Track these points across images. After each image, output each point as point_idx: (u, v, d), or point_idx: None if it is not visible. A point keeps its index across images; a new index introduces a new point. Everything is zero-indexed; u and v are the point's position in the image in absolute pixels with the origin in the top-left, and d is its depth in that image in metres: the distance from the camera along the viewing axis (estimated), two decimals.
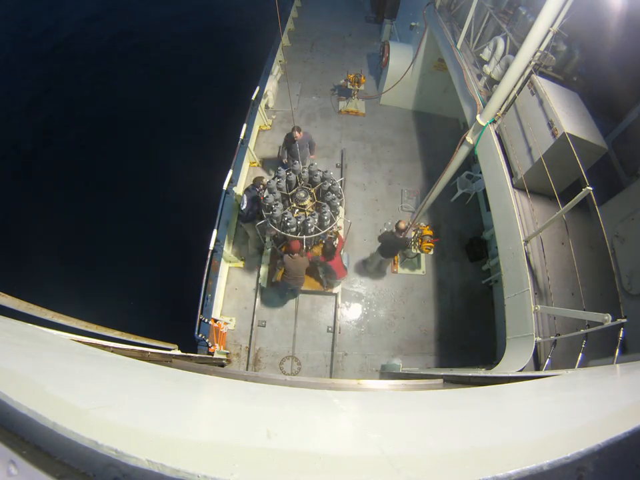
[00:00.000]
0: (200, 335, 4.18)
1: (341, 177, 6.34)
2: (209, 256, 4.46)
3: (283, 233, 4.22)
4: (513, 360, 3.02)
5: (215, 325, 4.66)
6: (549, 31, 3.42)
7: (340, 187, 4.31)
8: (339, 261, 4.61)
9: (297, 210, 4.31)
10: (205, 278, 4.37)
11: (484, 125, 4.12)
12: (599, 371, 1.96)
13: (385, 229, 4.57)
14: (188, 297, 4.57)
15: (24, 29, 11.93)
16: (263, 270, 5.28)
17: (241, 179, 6.14)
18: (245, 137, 5.93)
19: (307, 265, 4.53)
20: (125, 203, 8.20)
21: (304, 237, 4.12)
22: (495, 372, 2.93)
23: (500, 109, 4.03)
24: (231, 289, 5.36)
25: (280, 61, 8.16)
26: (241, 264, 5.51)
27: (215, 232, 4.63)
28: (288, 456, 0.76)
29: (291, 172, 4.36)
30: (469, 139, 4.37)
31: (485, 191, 4.67)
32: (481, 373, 3.15)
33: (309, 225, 4.00)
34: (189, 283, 4.76)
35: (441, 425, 1.10)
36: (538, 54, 3.66)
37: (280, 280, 4.56)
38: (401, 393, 2.55)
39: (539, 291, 3.22)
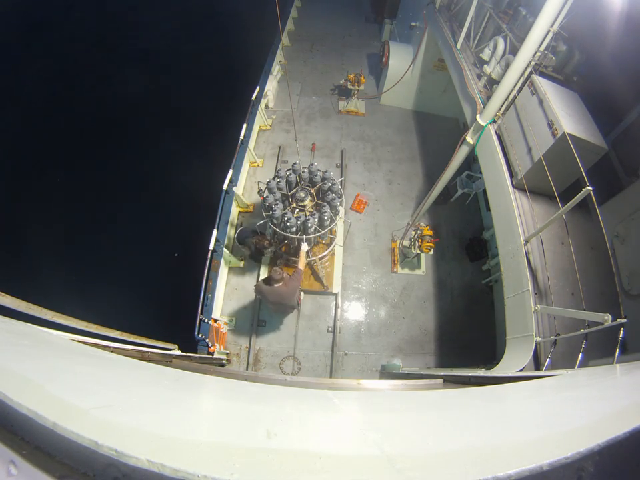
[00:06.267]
0: (200, 335, 4.18)
1: (341, 176, 6.34)
2: (209, 256, 4.46)
3: (282, 233, 4.22)
4: (513, 360, 3.02)
5: (215, 325, 4.66)
6: (548, 31, 3.42)
7: (340, 186, 4.31)
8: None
9: (297, 210, 4.31)
10: (205, 278, 4.37)
11: (484, 125, 4.12)
12: (599, 371, 1.96)
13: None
14: (188, 297, 4.57)
15: (23, 28, 11.93)
16: (263, 270, 5.28)
17: (241, 179, 6.14)
18: (244, 137, 5.92)
19: (293, 294, 3.87)
20: (125, 202, 8.20)
21: (304, 236, 4.12)
22: (495, 372, 2.93)
23: (500, 108, 4.03)
24: (231, 289, 5.36)
25: (280, 61, 8.16)
26: (240, 264, 5.51)
27: (214, 232, 4.63)
28: (288, 456, 0.76)
29: (291, 172, 4.36)
30: (469, 139, 4.37)
31: (485, 190, 4.67)
32: (481, 373, 3.15)
33: (309, 225, 4.00)
34: (189, 282, 4.76)
35: (441, 425, 1.10)
36: (538, 54, 3.65)
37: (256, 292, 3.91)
38: (401, 392, 2.55)
39: (539, 290, 3.22)
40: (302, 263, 4.02)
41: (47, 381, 0.93)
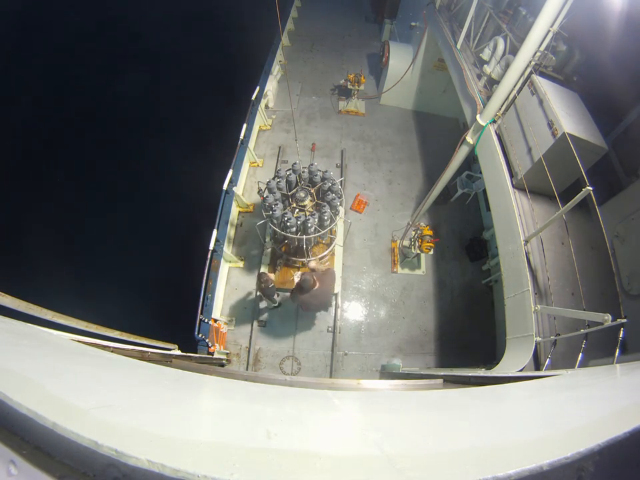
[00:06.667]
0: (200, 335, 4.18)
1: (341, 176, 6.34)
2: (209, 256, 4.46)
3: (282, 233, 4.22)
4: (513, 360, 3.02)
5: (215, 325, 4.66)
6: (548, 31, 3.42)
7: (340, 186, 4.31)
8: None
9: (297, 210, 4.31)
10: (205, 278, 4.37)
11: (484, 125, 4.12)
12: (599, 371, 1.96)
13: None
14: (188, 297, 4.57)
15: (23, 27, 11.93)
16: (263, 270, 5.28)
17: (241, 179, 6.14)
18: (244, 137, 5.92)
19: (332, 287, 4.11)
20: (125, 202, 8.21)
21: (304, 236, 4.12)
22: (495, 372, 2.93)
23: (500, 108, 4.03)
24: (231, 289, 5.36)
25: (280, 61, 8.16)
26: (240, 264, 5.51)
27: (214, 232, 4.63)
28: (288, 456, 0.76)
29: (291, 172, 4.36)
30: (469, 139, 4.37)
31: (485, 190, 4.67)
32: (481, 373, 3.15)
33: (309, 225, 4.00)
34: (189, 282, 4.76)
35: (441, 425, 1.10)
36: (538, 54, 3.65)
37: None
38: (401, 392, 2.55)
39: (539, 290, 3.22)
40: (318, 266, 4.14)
41: (47, 381, 0.93)
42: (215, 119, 8.95)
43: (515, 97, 3.95)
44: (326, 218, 4.10)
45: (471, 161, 6.30)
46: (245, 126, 5.92)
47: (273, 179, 4.32)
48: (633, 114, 3.80)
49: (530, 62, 3.64)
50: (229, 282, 5.40)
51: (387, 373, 4.73)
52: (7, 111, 9.51)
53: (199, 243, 4.82)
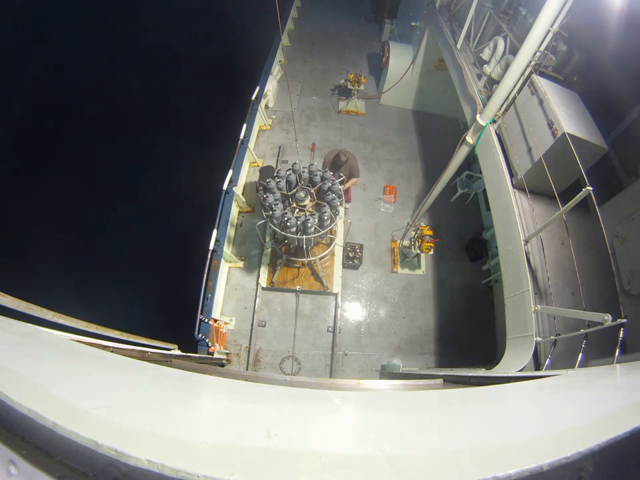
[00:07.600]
0: (200, 335, 4.18)
1: (341, 176, 6.33)
2: (209, 256, 4.46)
3: (283, 233, 4.22)
4: (513, 360, 3.02)
5: (215, 325, 4.66)
6: (549, 31, 3.42)
7: (340, 187, 4.31)
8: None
9: (297, 210, 4.31)
10: (205, 278, 4.37)
11: (484, 124, 4.12)
12: (598, 371, 1.96)
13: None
14: (188, 297, 4.57)
15: (23, 26, 11.93)
16: (263, 269, 5.28)
17: (241, 179, 6.14)
18: (244, 137, 5.92)
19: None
20: (125, 202, 8.21)
21: (304, 236, 4.12)
22: (495, 372, 2.93)
23: (500, 108, 4.03)
24: (230, 289, 5.36)
25: (280, 61, 8.16)
26: (240, 264, 5.51)
27: (214, 232, 4.63)
28: (288, 456, 0.76)
29: (291, 172, 4.36)
30: (469, 139, 4.37)
31: (485, 190, 4.67)
32: (481, 373, 3.15)
33: (309, 224, 4.00)
34: (189, 282, 4.76)
35: (441, 425, 1.10)
36: (538, 54, 3.65)
37: None
38: (401, 392, 2.55)
39: (539, 290, 3.22)
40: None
41: (47, 381, 0.93)
42: (215, 119, 8.95)
43: (515, 97, 3.95)
44: (326, 218, 4.10)
45: (471, 161, 6.30)
46: (244, 126, 5.92)
47: (273, 178, 4.32)
48: (633, 114, 3.80)
49: (530, 62, 3.64)
50: (229, 282, 5.40)
51: (387, 373, 4.74)
52: (6, 110, 9.51)
53: (199, 242, 4.82)
